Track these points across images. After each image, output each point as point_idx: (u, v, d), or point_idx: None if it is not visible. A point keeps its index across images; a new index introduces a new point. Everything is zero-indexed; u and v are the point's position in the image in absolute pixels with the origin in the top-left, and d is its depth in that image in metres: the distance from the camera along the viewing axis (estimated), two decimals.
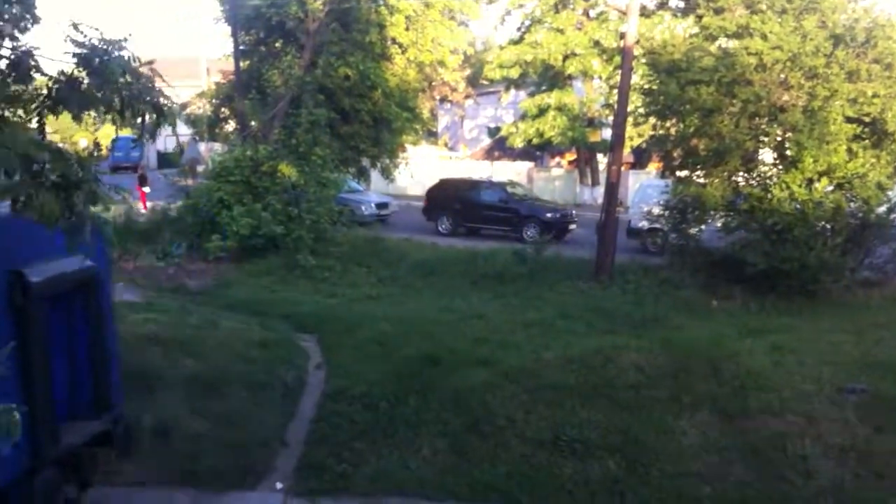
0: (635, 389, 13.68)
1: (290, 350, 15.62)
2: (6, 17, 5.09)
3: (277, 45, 29.61)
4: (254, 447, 12.64)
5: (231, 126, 31.84)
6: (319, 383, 14.63)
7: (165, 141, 54.04)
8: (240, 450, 12.58)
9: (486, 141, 54.79)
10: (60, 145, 5.70)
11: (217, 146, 32.68)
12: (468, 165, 45.37)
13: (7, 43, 5.14)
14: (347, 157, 29.34)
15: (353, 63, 27.37)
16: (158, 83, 5.80)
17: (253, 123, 28.40)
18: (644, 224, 25.39)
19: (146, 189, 32.52)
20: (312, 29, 27.12)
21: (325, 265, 22.23)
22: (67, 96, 5.27)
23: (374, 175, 32.84)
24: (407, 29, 29.73)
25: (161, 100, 5.71)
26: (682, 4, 34.48)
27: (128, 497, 12.00)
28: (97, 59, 5.21)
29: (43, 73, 5.29)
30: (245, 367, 14.51)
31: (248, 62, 29.73)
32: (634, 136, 31.12)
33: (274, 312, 18.04)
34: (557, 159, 48.93)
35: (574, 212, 31.43)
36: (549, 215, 29.32)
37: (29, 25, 5.29)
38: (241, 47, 29.20)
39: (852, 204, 20.03)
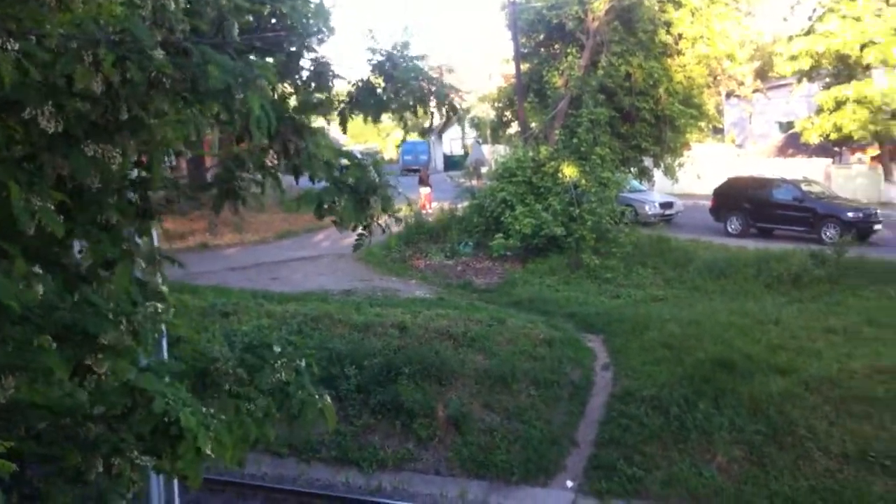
0: None
1: (576, 349, 15.58)
2: (303, 30, 5.39)
3: (557, 46, 29.59)
4: (544, 444, 12.76)
5: (513, 128, 32.40)
6: (607, 384, 14.48)
7: (451, 144, 56.39)
8: (530, 446, 12.76)
9: (777, 137, 51.82)
10: (358, 153, 6.01)
11: (500, 148, 33.36)
12: (758, 163, 43.10)
13: (307, 55, 5.44)
14: (629, 156, 28.80)
15: (635, 62, 26.89)
16: (448, 81, 5.94)
17: (534, 125, 28.68)
18: None
19: (426, 190, 33.72)
20: (593, 28, 26.92)
21: (608, 265, 22.01)
22: (365, 101, 5.51)
23: (659, 175, 32.04)
24: (692, 23, 28.74)
25: (452, 99, 5.84)
26: None
27: (426, 483, 12.56)
28: (391, 66, 5.40)
29: (341, 77, 5.58)
30: (532, 364, 14.67)
31: (528, 65, 30.05)
32: None
33: (558, 311, 18.10)
34: (858, 155, 45.18)
35: (879, 211, 28.82)
36: (850, 214, 27.09)
37: (325, 37, 5.57)
38: (522, 51, 29.58)
39: None
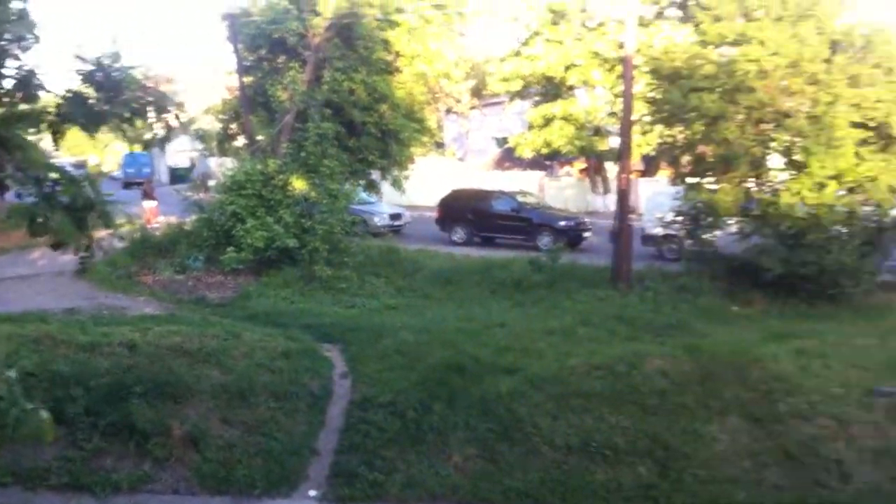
0: (662, 395, 13.68)
1: (313, 360, 15.60)
2: (7, 36, 5.15)
3: (280, 60, 29.47)
4: (285, 455, 12.69)
5: (240, 141, 31.87)
6: (346, 392, 14.64)
7: (176, 156, 54.21)
8: (272, 458, 12.64)
9: (495, 151, 54.80)
10: (70, 168, 5.77)
11: (227, 161, 32.69)
12: (478, 175, 45.38)
13: (11, 62, 5.20)
14: (357, 169, 29.24)
15: (358, 78, 27.42)
16: (168, 91, 5.87)
17: (261, 138, 28.42)
18: (659, 231, 25.30)
19: (151, 203, 32.33)
20: (314, 44, 27.13)
21: (341, 276, 22.29)
22: (75, 112, 5.34)
23: (387, 187, 32.82)
24: (409, 42, 29.67)
25: (172, 110, 5.77)
26: (680, 14, 34.74)
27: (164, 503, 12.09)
28: (102, 75, 5.28)
29: (46, 90, 5.37)
30: (271, 377, 14.53)
31: (252, 78, 29.65)
32: (643, 143, 31.19)
33: (295, 323, 18.05)
34: (567, 168, 48.92)
35: (587, 220, 31.46)
36: (562, 223, 29.39)
37: (29, 45, 5.34)
38: (245, 64, 29.22)
39: (866, 208, 20.04)
